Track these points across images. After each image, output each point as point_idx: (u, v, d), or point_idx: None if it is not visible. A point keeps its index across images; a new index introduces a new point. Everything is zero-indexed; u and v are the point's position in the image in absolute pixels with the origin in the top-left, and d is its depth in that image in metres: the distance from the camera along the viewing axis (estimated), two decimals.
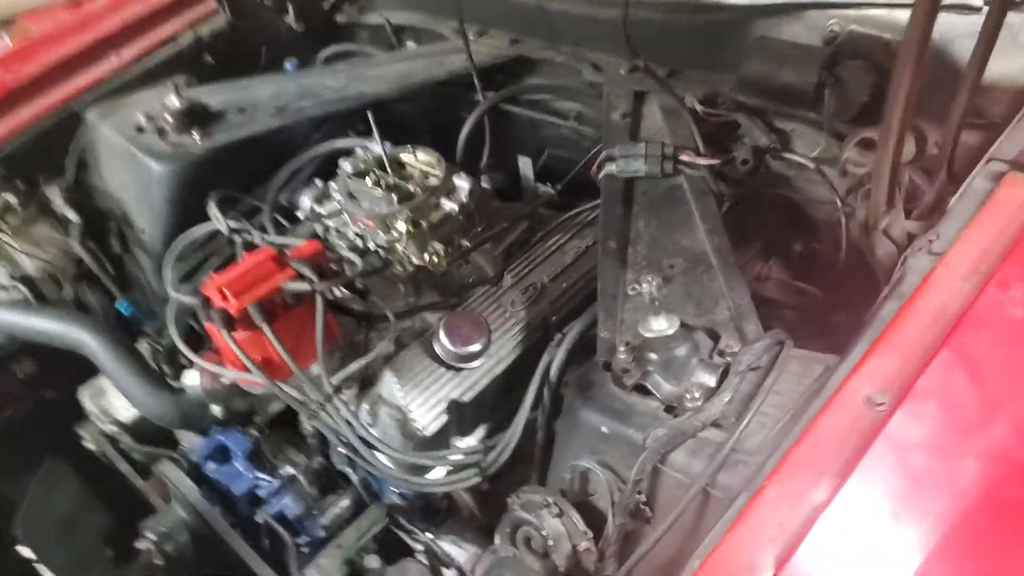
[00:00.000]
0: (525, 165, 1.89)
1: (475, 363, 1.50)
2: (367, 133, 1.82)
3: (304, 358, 1.46)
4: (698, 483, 1.04)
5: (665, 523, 1.04)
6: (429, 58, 2.11)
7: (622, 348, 1.21)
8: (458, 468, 1.42)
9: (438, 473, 1.48)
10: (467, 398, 1.49)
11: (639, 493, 1.11)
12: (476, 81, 1.95)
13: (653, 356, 1.18)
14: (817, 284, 1.61)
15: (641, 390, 1.19)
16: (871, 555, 0.86)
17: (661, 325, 1.16)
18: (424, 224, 1.59)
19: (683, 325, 1.16)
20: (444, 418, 1.47)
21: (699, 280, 1.34)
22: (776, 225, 1.67)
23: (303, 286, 1.42)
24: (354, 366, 1.46)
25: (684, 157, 1.53)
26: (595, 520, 1.16)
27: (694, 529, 1.07)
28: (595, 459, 1.17)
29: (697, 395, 1.13)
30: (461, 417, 1.51)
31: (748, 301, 1.26)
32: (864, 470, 0.90)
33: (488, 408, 1.54)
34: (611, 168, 1.55)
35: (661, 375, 1.17)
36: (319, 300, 1.43)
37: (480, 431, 1.55)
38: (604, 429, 1.17)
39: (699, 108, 1.67)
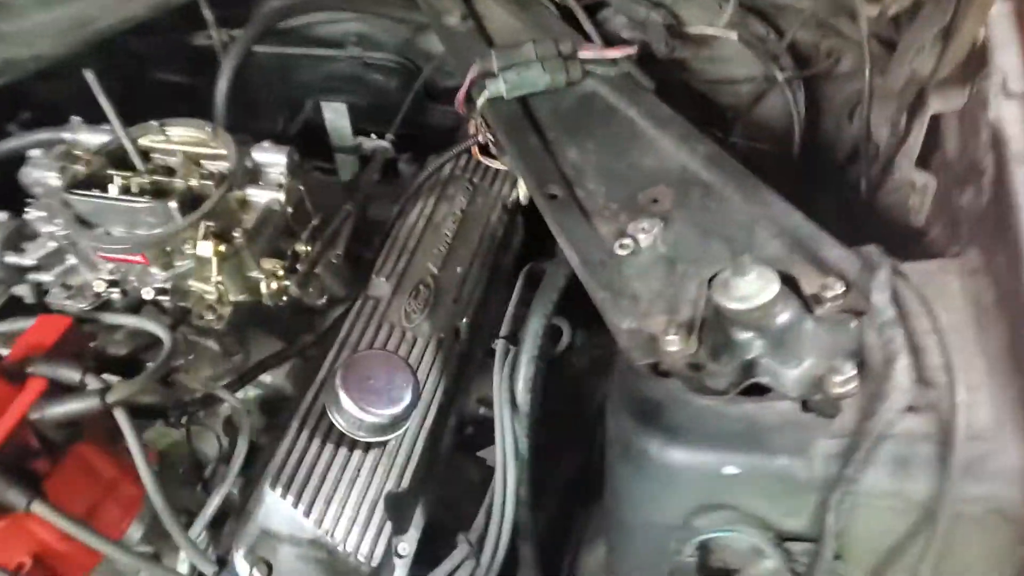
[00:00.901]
0: (335, 114, 1.30)
1: (404, 426, 0.95)
2: (35, 123, 1.14)
3: (109, 524, 0.81)
4: (941, 507, 0.66)
5: None
6: None
7: (672, 334, 0.78)
8: None
9: None
10: (406, 482, 0.95)
11: None
12: (206, 12, 1.29)
13: (746, 335, 0.77)
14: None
15: (747, 390, 0.77)
16: None
17: (752, 288, 0.74)
18: (238, 235, 0.97)
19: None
20: (388, 528, 0.92)
21: (706, 208, 0.93)
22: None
23: (82, 404, 0.76)
24: (214, 501, 0.84)
25: (587, 54, 1.09)
26: None
27: None
28: (727, 517, 0.74)
29: (849, 372, 0.74)
30: (399, 510, 0.97)
31: (801, 216, 0.88)
32: None
33: (421, 479, 1.02)
34: (496, 88, 1.06)
35: (773, 358, 0.76)
36: (121, 417, 0.78)
37: (418, 517, 1.02)
38: (730, 469, 0.74)
39: None
